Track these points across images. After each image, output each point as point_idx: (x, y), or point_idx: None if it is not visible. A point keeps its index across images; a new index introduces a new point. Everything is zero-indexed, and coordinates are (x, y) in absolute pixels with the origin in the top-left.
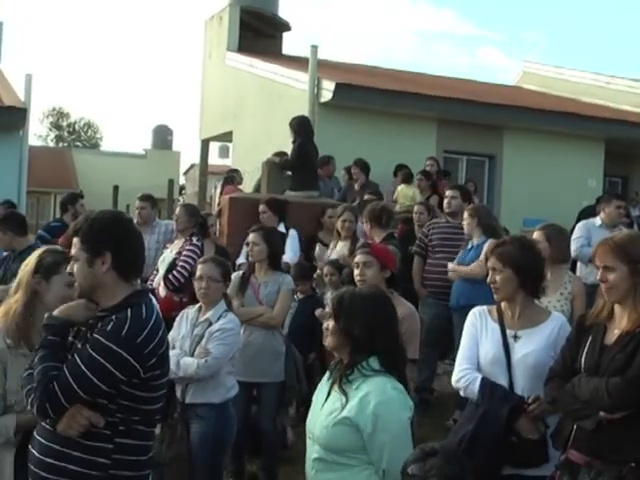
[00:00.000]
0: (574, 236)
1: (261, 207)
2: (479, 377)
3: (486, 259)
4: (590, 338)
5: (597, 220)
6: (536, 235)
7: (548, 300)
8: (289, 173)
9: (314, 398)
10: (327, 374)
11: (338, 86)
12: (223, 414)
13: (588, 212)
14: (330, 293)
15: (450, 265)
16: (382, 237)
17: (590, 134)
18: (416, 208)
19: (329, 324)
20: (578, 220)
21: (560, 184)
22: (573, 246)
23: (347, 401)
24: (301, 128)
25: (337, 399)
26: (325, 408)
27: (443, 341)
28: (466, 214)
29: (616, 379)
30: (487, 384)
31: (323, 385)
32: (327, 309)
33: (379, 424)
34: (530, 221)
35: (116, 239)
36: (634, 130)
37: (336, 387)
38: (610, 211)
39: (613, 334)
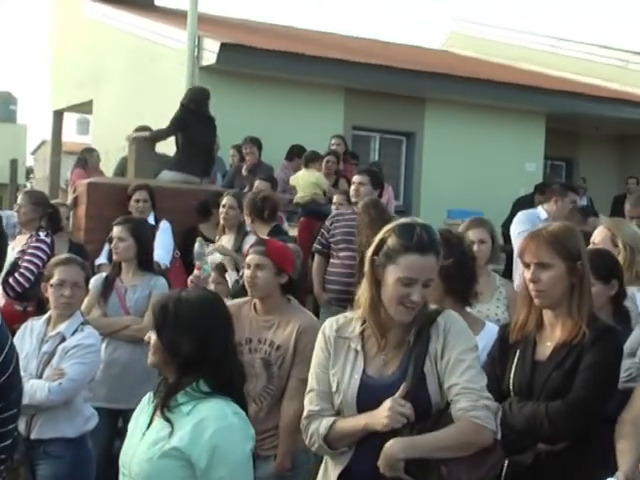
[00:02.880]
0: (517, 230)
1: (138, 194)
2: None
3: None
4: (518, 353)
5: (541, 212)
6: (479, 233)
7: (487, 308)
8: (159, 152)
9: (131, 425)
10: (149, 395)
11: (223, 46)
12: (80, 451)
13: (525, 202)
14: None
15: None
16: (267, 232)
17: (529, 108)
18: (336, 198)
19: (151, 338)
20: (513, 211)
21: (493, 168)
22: (518, 242)
23: (174, 429)
24: (192, 97)
25: (162, 426)
26: (147, 437)
27: None
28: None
29: (557, 403)
30: None
31: (144, 408)
32: None
33: (216, 457)
34: (456, 212)
35: None
36: (581, 103)
37: (160, 412)
38: (563, 205)
39: (545, 347)
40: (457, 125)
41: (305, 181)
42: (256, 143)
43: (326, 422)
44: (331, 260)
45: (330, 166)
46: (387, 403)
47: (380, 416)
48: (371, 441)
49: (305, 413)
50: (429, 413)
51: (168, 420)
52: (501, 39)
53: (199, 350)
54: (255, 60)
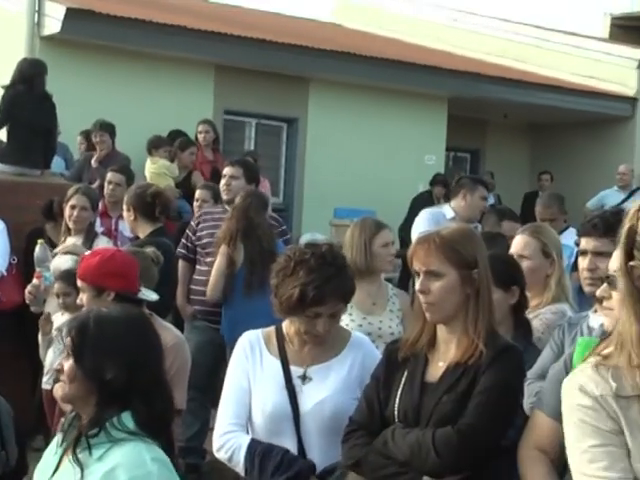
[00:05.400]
0: (419, 231)
1: None
2: (246, 442)
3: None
4: (406, 374)
5: (447, 210)
6: (387, 236)
7: (379, 320)
8: None
9: (36, 472)
10: (57, 437)
11: (70, 13)
12: None
13: (424, 200)
14: (61, 314)
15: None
16: (150, 232)
17: (429, 91)
18: (198, 193)
19: (66, 365)
20: (411, 210)
21: (387, 161)
22: None
23: (83, 475)
24: (21, 72)
25: (70, 472)
26: None
27: (217, 381)
28: None
29: (446, 430)
30: (256, 451)
31: (51, 452)
32: (58, 342)
33: None
34: (344, 211)
35: None
36: (488, 86)
37: (69, 456)
38: (473, 202)
39: (437, 367)
40: (346, 110)
41: (152, 172)
42: (108, 129)
43: None
44: (197, 267)
45: (193, 159)
46: None
47: None
48: None
49: None
50: None
51: (79, 464)
52: (397, 11)
53: (127, 377)
54: (108, 29)
